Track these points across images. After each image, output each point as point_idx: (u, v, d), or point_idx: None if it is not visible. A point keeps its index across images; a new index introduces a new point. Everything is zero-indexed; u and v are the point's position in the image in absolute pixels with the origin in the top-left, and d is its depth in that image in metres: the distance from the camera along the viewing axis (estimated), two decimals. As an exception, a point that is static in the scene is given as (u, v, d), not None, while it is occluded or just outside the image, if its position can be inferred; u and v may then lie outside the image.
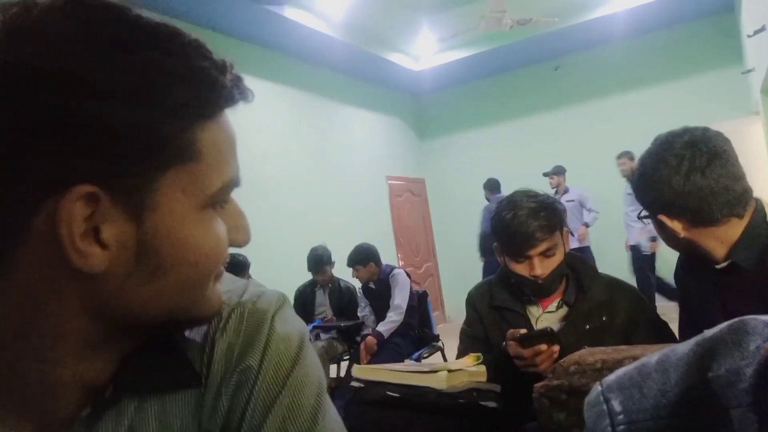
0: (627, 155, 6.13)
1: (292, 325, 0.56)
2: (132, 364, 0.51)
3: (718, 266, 1.27)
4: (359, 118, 7.60)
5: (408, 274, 4.33)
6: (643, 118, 7.18)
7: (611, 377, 0.56)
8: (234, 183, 0.51)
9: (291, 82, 6.36)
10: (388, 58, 7.12)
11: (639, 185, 1.31)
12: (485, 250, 6.26)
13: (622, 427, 0.52)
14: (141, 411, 0.50)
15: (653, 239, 5.66)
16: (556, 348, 1.45)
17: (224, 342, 0.53)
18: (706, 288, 1.34)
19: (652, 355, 0.56)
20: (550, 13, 6.32)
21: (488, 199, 6.54)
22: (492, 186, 6.61)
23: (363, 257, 4.22)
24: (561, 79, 7.80)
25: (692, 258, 1.36)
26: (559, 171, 6.58)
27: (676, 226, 1.25)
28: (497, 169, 7.41)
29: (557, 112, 7.83)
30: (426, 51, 7.37)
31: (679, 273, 1.49)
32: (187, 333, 0.54)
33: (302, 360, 0.54)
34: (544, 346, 1.43)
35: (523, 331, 1.49)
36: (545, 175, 6.57)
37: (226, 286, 0.57)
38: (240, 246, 0.55)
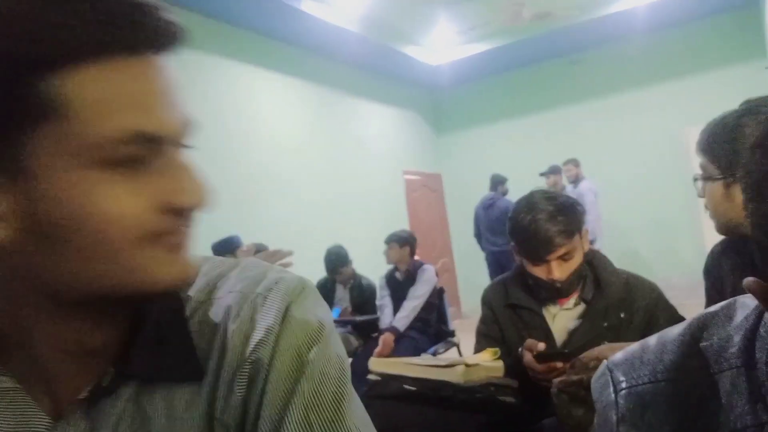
0: (572, 162, 6.34)
1: (311, 313, 0.54)
2: (135, 352, 0.50)
3: None
4: (376, 112, 7.59)
5: (437, 273, 4.35)
6: (663, 113, 7.11)
7: (618, 354, 0.62)
8: (146, 137, 0.44)
9: (307, 76, 6.36)
10: (405, 52, 7.09)
11: (729, 139, 1.18)
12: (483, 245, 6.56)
13: (623, 392, 0.57)
14: (148, 390, 0.50)
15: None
16: None
17: (238, 331, 0.51)
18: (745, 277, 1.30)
19: (655, 335, 0.61)
20: (569, 6, 6.26)
21: (503, 194, 6.54)
22: (497, 181, 6.62)
23: (402, 238, 4.31)
24: (580, 73, 7.72)
25: (738, 241, 1.31)
26: (555, 170, 6.62)
27: None
28: (514, 164, 7.37)
29: (575, 106, 7.76)
30: (443, 45, 7.34)
31: (710, 265, 1.45)
32: (201, 319, 0.53)
33: (322, 348, 0.52)
34: (559, 364, 1.40)
35: (542, 345, 1.46)
36: (542, 174, 6.58)
37: (246, 272, 0.56)
38: (189, 209, 0.47)
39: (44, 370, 0.49)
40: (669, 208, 6.92)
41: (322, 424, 0.50)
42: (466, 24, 6.79)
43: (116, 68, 0.42)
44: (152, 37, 0.44)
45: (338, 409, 0.51)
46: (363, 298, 4.47)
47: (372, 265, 4.93)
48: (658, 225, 7.13)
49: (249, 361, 0.50)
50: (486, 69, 7.94)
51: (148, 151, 0.44)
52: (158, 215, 0.45)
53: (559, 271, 1.53)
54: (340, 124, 6.87)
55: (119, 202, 0.43)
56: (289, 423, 0.49)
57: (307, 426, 0.49)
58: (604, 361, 0.62)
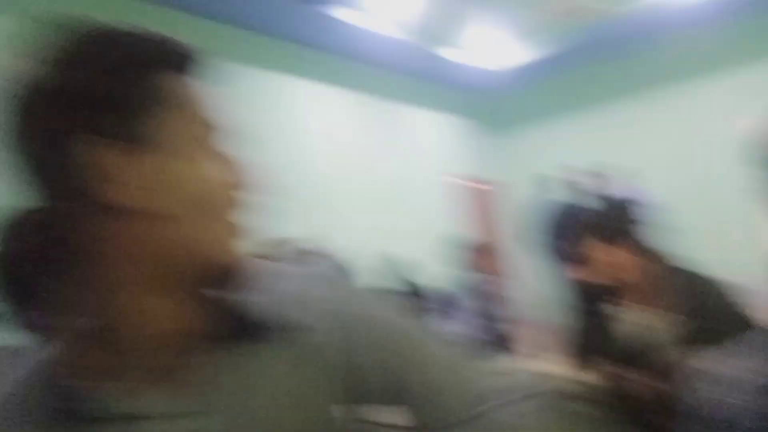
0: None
1: (360, 285, 0.70)
2: (217, 317, 0.58)
3: None
4: (425, 119, 7.56)
5: (495, 282, 4.39)
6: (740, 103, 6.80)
7: (710, 364, 0.62)
8: (212, 127, 0.58)
9: (352, 86, 6.34)
10: (453, 56, 7.01)
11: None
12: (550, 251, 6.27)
13: (714, 403, 0.58)
14: (242, 356, 0.58)
15: None
16: None
17: (321, 298, 0.64)
18: None
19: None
20: (620, 2, 6.11)
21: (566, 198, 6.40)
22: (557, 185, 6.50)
23: (480, 246, 4.45)
24: (637, 70, 7.48)
25: None
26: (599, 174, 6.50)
27: None
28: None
29: (634, 103, 7.52)
30: (497, 49, 7.24)
31: None
32: (276, 296, 0.63)
33: (384, 303, 0.68)
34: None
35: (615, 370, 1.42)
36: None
37: (290, 265, 0.69)
38: (238, 188, 0.59)
39: (128, 348, 0.54)
40: (726, 205, 6.57)
41: (408, 349, 0.64)
42: (520, 27, 6.70)
43: (180, 77, 0.57)
44: (190, 62, 0.59)
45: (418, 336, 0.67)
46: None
47: (427, 274, 4.92)
48: (716, 224, 6.78)
49: (340, 315, 0.63)
50: (541, 71, 7.80)
51: (213, 137, 0.58)
52: (230, 191, 0.58)
53: (596, 274, 1.51)
54: (387, 133, 6.85)
55: (202, 177, 0.56)
56: (388, 355, 0.63)
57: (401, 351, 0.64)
58: (697, 370, 0.59)
